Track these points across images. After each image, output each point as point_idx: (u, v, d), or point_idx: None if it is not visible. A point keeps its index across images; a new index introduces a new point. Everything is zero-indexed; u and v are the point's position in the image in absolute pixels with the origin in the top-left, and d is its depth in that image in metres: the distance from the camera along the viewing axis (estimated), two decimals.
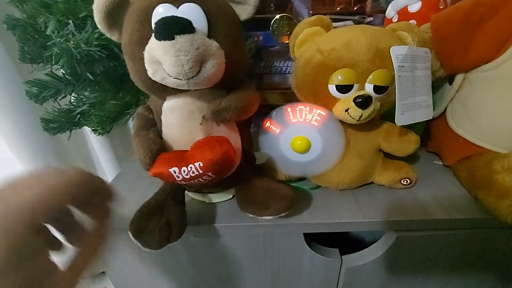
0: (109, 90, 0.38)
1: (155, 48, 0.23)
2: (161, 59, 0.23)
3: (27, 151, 0.60)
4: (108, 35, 0.28)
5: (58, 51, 0.34)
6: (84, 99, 0.39)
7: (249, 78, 0.53)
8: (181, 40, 0.22)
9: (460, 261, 0.39)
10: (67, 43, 0.33)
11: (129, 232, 0.31)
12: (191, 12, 0.24)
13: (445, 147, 0.42)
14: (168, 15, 0.22)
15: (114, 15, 0.26)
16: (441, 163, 0.44)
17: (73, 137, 0.53)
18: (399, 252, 0.37)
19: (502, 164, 0.33)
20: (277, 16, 0.49)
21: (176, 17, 0.22)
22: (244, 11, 0.28)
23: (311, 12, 0.51)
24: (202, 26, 0.24)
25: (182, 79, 0.24)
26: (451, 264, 0.39)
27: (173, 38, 0.22)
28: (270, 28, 0.49)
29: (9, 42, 0.51)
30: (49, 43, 0.34)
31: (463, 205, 0.36)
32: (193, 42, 0.22)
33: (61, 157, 0.65)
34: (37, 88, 0.38)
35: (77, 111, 0.39)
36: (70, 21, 0.32)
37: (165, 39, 0.22)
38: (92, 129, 0.39)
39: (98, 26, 0.27)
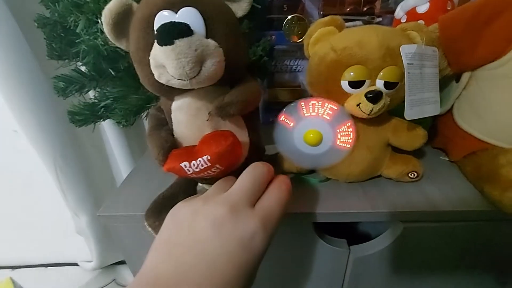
0: (131, 85, 0.41)
1: (158, 53, 0.24)
2: (164, 63, 0.24)
3: (46, 143, 0.63)
4: (117, 44, 0.29)
5: (86, 48, 0.36)
6: (107, 94, 0.41)
7: (261, 75, 0.55)
8: (180, 44, 0.23)
9: (466, 253, 0.40)
10: (95, 40, 0.35)
11: (145, 222, 0.34)
12: (189, 16, 0.25)
13: (451, 143, 0.44)
14: (168, 21, 0.24)
15: (121, 26, 0.27)
16: (447, 159, 0.45)
17: (90, 132, 0.56)
18: (406, 243, 0.39)
19: (507, 158, 0.34)
20: (289, 17, 0.51)
21: (174, 22, 0.24)
22: (240, 8, 0.29)
23: (321, 12, 0.53)
24: (199, 28, 0.25)
25: (185, 80, 0.25)
26: (458, 256, 0.41)
27: (173, 43, 0.23)
28: (283, 28, 0.51)
29: (33, 40, 0.54)
30: (78, 40, 0.36)
31: (469, 198, 0.37)
32: (191, 44, 0.23)
33: (78, 151, 0.68)
34: (63, 83, 0.40)
35: (101, 105, 0.41)
36: (99, 20, 0.35)
37: (166, 44, 0.23)
38: (116, 122, 0.42)
39: (108, 37, 0.28)
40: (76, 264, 1.00)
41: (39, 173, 0.72)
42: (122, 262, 0.97)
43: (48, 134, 0.61)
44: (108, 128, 0.66)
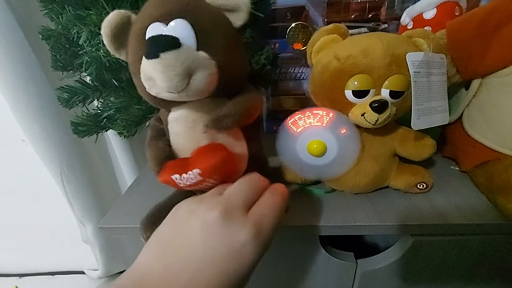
0: (134, 95, 0.41)
1: (145, 67, 0.24)
2: (152, 76, 0.24)
3: (52, 153, 0.63)
4: (117, 55, 0.29)
5: (88, 59, 0.36)
6: (110, 104, 0.41)
7: (265, 84, 0.54)
8: (166, 57, 0.22)
9: (479, 267, 0.39)
10: (98, 51, 0.35)
11: (140, 233, 0.33)
12: (179, 28, 0.24)
13: (461, 152, 0.42)
14: (156, 33, 0.23)
15: (120, 37, 0.27)
16: (457, 169, 0.43)
17: (96, 142, 0.56)
18: (416, 257, 0.37)
19: None
20: (293, 24, 0.50)
21: (161, 35, 0.23)
22: (238, 18, 0.28)
23: (326, 20, 0.52)
24: (190, 40, 0.24)
25: (174, 92, 0.25)
26: (470, 270, 0.39)
27: (158, 56, 0.22)
28: (286, 36, 0.51)
29: (40, 51, 0.55)
30: (80, 52, 0.36)
31: (481, 210, 0.35)
32: (178, 57, 0.23)
33: (84, 161, 0.68)
34: (67, 94, 0.41)
35: (103, 115, 0.41)
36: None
37: (151, 58, 0.23)
38: (118, 132, 0.42)
39: (108, 48, 0.28)
40: (82, 273, 1.00)
41: (46, 182, 0.73)
42: None
43: (54, 143, 0.62)
44: (113, 138, 0.67)
